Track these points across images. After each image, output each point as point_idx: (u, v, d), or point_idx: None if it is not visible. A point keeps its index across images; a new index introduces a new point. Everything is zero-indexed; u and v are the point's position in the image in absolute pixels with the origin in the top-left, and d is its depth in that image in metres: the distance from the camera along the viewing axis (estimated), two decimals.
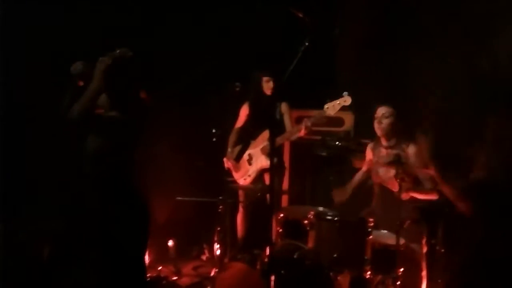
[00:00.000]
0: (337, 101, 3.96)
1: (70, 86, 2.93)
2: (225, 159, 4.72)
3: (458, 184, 2.94)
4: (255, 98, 4.63)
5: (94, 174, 2.86)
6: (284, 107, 4.56)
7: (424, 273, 3.52)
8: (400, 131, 3.84)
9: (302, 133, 4.21)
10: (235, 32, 5.06)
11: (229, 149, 4.75)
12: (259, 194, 4.36)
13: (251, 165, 4.65)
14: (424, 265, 3.53)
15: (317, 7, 4.05)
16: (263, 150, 4.55)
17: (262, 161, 4.55)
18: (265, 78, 4.56)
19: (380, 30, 4.87)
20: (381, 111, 3.82)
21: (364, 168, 4.03)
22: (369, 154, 4.03)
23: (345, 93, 3.94)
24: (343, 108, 4.05)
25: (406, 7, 4.63)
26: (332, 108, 3.98)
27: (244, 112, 4.77)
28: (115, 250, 2.79)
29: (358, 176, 4.05)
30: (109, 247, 2.80)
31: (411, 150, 3.73)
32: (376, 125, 3.84)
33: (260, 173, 4.61)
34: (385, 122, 3.79)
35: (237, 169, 4.72)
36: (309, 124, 4.15)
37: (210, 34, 4.98)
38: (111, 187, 2.86)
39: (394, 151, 3.71)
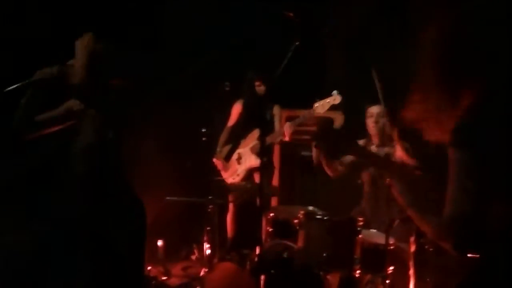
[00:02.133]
0: (327, 100, 3.97)
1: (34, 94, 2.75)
2: (215, 160, 4.71)
3: None
4: (249, 98, 4.63)
5: (84, 174, 2.81)
6: (276, 109, 4.60)
7: (411, 272, 3.54)
8: (391, 130, 3.86)
9: (286, 138, 4.24)
10: (226, 31, 5.06)
11: (218, 149, 4.74)
12: (249, 193, 4.36)
13: (240, 164, 4.64)
14: (411, 264, 3.55)
15: (307, 7, 4.06)
16: (252, 149, 4.54)
17: (251, 160, 4.55)
18: (256, 83, 4.58)
19: (370, 29, 4.88)
20: (376, 110, 3.83)
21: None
22: None
23: (334, 92, 3.95)
24: (333, 107, 4.06)
25: (396, 5, 4.65)
26: (321, 106, 3.99)
27: (236, 110, 4.76)
28: (111, 252, 2.73)
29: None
30: (105, 249, 2.74)
31: (399, 148, 3.76)
32: (371, 124, 3.85)
33: (249, 172, 4.61)
34: (382, 121, 3.81)
35: (226, 168, 4.71)
36: (290, 130, 4.18)
37: (201, 33, 4.98)
38: (103, 186, 2.81)
39: (385, 149, 3.74)
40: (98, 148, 2.78)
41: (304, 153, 5.04)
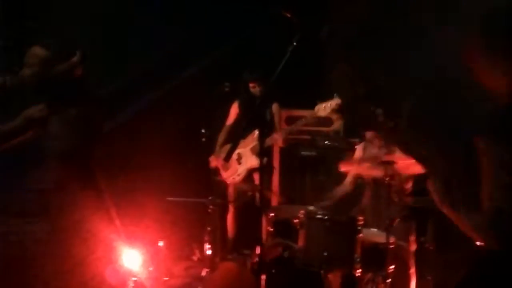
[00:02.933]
0: (328, 103, 3.99)
1: None
2: (211, 158, 4.72)
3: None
4: (245, 99, 4.66)
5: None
6: (275, 108, 4.61)
7: (412, 270, 3.55)
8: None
9: (280, 144, 4.44)
10: (224, 32, 5.06)
11: (217, 148, 4.76)
12: (249, 193, 4.38)
13: (240, 164, 4.66)
14: (412, 262, 3.56)
15: (305, 7, 4.06)
16: (252, 150, 4.55)
17: (252, 161, 4.56)
18: (251, 85, 4.61)
19: (369, 29, 4.88)
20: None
21: (348, 179, 4.05)
22: (359, 153, 4.05)
23: (336, 94, 3.97)
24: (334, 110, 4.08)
25: (395, 5, 4.65)
26: (323, 109, 4.01)
27: (234, 110, 4.79)
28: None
29: (342, 188, 4.08)
30: None
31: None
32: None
33: (250, 172, 4.62)
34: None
35: (226, 168, 4.72)
36: (284, 136, 4.39)
37: (200, 33, 4.99)
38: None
39: (386, 150, 3.75)
40: (65, 155, 2.56)
41: (304, 152, 5.05)
